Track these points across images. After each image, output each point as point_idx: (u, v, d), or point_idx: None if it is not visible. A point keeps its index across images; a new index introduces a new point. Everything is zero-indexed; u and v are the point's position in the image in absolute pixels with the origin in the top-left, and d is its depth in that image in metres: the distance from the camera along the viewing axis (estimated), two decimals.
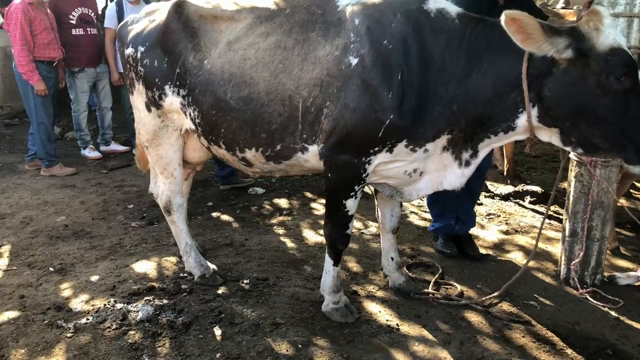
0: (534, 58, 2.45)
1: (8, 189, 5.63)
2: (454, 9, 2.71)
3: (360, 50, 2.67)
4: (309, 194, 5.57)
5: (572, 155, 3.54)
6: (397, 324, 3.12)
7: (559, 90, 2.45)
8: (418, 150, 2.76)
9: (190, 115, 3.18)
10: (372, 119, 2.65)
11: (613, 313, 3.30)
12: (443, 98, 2.65)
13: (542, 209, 5.16)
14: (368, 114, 2.65)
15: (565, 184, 4.28)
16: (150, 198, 3.92)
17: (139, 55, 3.28)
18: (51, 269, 3.82)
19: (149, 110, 3.34)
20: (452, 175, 2.86)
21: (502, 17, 2.32)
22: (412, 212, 5.06)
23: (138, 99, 3.40)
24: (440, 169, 2.88)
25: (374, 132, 2.68)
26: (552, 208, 5.05)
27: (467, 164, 2.81)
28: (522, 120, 2.60)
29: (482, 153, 2.81)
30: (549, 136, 2.63)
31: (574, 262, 3.60)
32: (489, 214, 5.03)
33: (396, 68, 2.62)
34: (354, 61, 2.67)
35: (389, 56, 2.64)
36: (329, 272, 3.15)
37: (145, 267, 3.83)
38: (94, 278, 3.67)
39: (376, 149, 2.74)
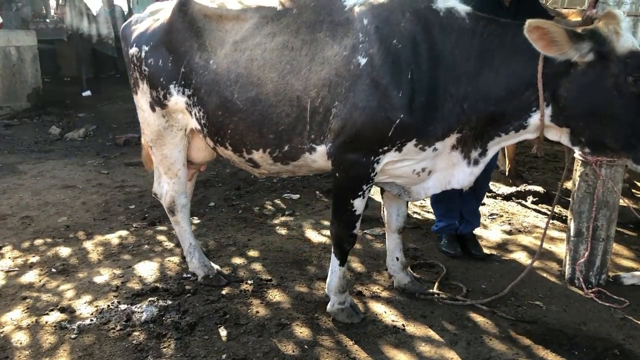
0: (551, 58, 2.45)
1: (9, 190, 5.60)
2: (463, 8, 2.70)
3: (370, 50, 2.66)
4: (311, 194, 5.55)
5: (577, 155, 3.54)
6: (403, 325, 3.11)
7: (576, 91, 2.47)
8: (427, 149, 2.75)
9: (195, 115, 3.16)
10: (382, 118, 2.64)
11: (619, 313, 3.30)
12: (453, 97, 2.64)
13: (544, 208, 5.16)
14: (378, 113, 2.64)
15: (568, 184, 4.28)
16: (152, 198, 3.90)
17: (143, 54, 3.26)
18: (53, 270, 3.79)
19: (154, 110, 3.32)
20: (460, 173, 2.85)
21: (525, 25, 2.34)
22: (415, 212, 5.04)
23: (142, 98, 3.37)
24: (448, 168, 2.87)
25: (384, 131, 2.67)
26: (555, 208, 5.04)
27: (476, 162, 2.80)
28: (534, 119, 2.60)
29: (491, 152, 2.81)
30: (559, 135, 2.65)
31: (579, 262, 3.59)
32: (491, 214, 5.02)
33: (406, 67, 2.61)
34: (363, 61, 2.66)
35: (399, 55, 2.63)
36: (335, 272, 3.13)
37: (149, 267, 3.81)
38: (97, 279, 3.65)
39: (385, 148, 2.73)
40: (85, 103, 9.80)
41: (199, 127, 3.19)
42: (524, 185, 5.64)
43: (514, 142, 2.94)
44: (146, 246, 4.23)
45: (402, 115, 2.63)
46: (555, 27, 2.34)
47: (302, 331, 3.03)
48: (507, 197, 5.47)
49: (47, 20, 12.02)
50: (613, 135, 2.48)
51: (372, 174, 2.83)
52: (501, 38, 2.61)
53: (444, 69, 2.65)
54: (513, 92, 2.59)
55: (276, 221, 4.80)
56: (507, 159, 6.01)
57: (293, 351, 2.85)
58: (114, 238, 4.38)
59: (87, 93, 10.28)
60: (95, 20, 12.15)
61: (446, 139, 2.76)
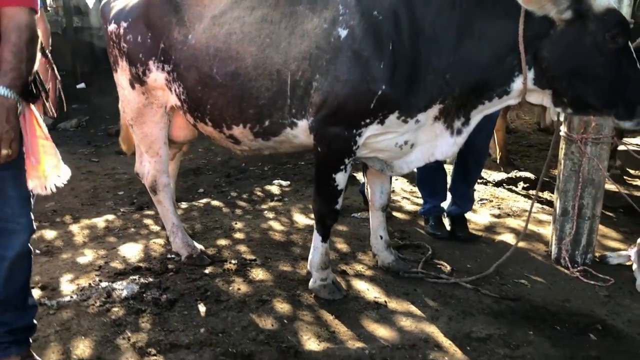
0: (531, 20, 2.46)
1: None
2: None
3: (350, 22, 2.64)
4: (301, 182, 5.52)
5: (562, 132, 3.52)
6: (385, 301, 3.09)
7: (557, 52, 2.48)
8: (410, 121, 2.73)
9: (175, 91, 3.14)
10: (364, 90, 2.63)
11: (604, 290, 3.27)
12: (436, 68, 2.63)
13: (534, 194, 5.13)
14: (359, 85, 2.63)
15: (556, 171, 4.25)
16: (141, 185, 3.88)
17: (121, 31, 3.24)
18: (37, 251, 3.76)
19: (133, 87, 3.30)
20: (444, 144, 2.84)
21: None
22: (403, 197, 5.02)
23: (122, 76, 3.36)
24: (431, 139, 2.86)
25: (366, 104, 2.65)
26: (545, 193, 5.03)
27: (459, 132, 2.79)
28: (517, 84, 2.60)
29: (474, 121, 2.80)
30: (541, 98, 2.67)
31: (564, 240, 3.57)
32: (481, 199, 5.00)
33: (387, 39, 2.60)
34: (344, 33, 2.64)
35: (380, 27, 2.62)
36: (317, 248, 3.11)
37: (133, 249, 3.78)
38: (81, 259, 3.63)
39: (367, 120, 2.71)
40: (79, 95, 9.78)
41: (178, 103, 3.17)
42: (515, 171, 5.62)
43: (497, 109, 2.92)
44: (132, 229, 4.21)
45: (384, 87, 2.62)
46: None
47: (282, 307, 3.01)
48: (497, 184, 5.44)
49: None
50: (595, 94, 2.49)
51: (355, 148, 2.81)
52: (480, 6, 2.60)
53: (425, 40, 2.63)
54: (495, 58, 2.58)
55: (265, 206, 4.78)
56: (497, 146, 5.99)
57: (272, 325, 2.83)
58: (100, 222, 4.37)
59: (82, 85, 10.25)
60: (91, 13, 12.10)
61: (429, 110, 2.74)
